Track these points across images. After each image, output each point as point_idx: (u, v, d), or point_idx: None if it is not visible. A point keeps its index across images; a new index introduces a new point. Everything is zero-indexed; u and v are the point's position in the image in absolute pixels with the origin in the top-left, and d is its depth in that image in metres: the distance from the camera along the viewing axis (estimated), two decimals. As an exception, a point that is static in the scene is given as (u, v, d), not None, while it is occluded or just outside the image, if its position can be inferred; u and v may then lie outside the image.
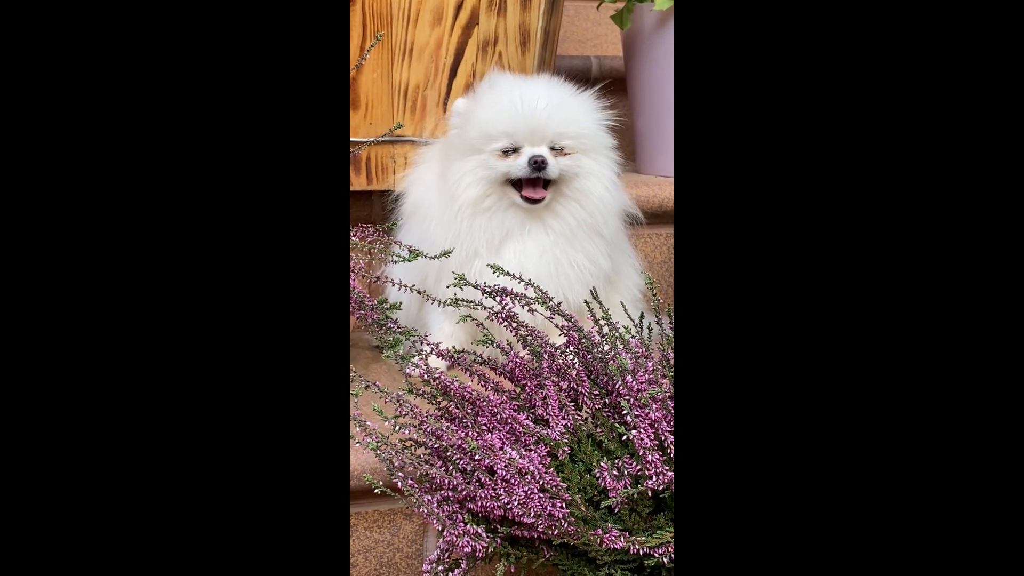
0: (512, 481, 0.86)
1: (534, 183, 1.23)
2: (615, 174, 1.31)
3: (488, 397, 0.92)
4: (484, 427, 0.90)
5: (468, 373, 0.96)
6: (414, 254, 1.16)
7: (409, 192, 1.33)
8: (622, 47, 1.85)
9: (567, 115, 1.23)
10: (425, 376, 0.90)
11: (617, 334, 0.97)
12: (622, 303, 1.10)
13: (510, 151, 1.23)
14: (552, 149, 1.23)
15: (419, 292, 1.09)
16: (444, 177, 1.27)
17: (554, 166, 1.22)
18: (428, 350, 0.95)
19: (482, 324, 0.98)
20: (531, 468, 0.86)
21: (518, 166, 1.22)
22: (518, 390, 0.98)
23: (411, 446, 0.90)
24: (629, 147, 2.17)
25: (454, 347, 0.96)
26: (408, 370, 0.90)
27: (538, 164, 1.20)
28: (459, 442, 0.87)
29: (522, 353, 0.97)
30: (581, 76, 2.11)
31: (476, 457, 0.86)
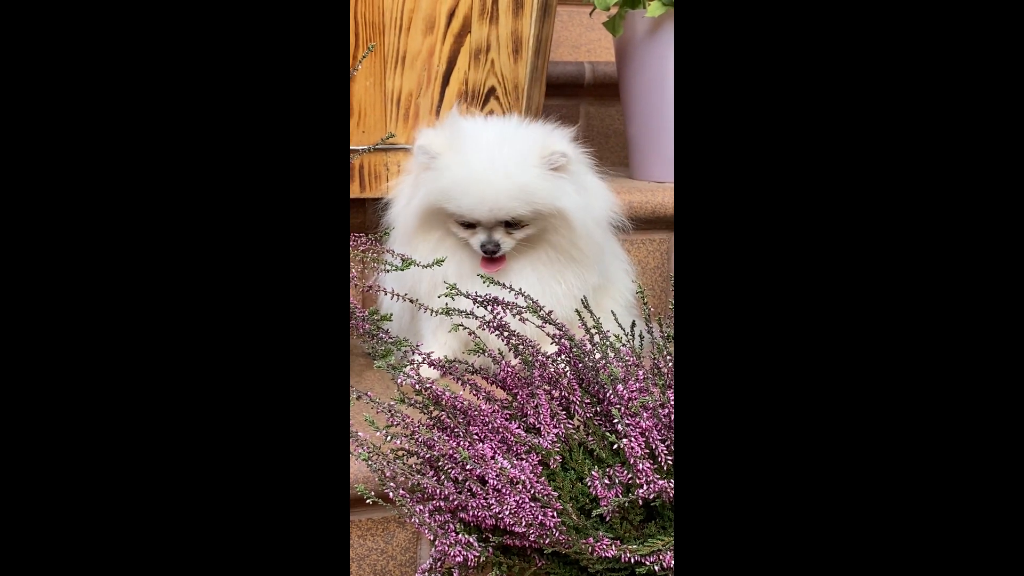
0: (503, 490, 0.86)
1: (488, 260, 1.22)
2: (585, 222, 1.26)
3: (480, 406, 0.92)
4: (476, 436, 0.91)
5: (460, 382, 0.97)
6: (407, 263, 1.16)
7: (392, 204, 1.33)
8: (615, 53, 1.86)
9: (524, 197, 1.18)
10: (417, 386, 0.91)
11: (608, 343, 0.97)
12: (613, 312, 1.10)
13: (467, 224, 1.22)
14: (509, 224, 1.21)
15: (411, 301, 1.09)
16: (405, 217, 1.25)
17: (508, 244, 1.21)
18: (420, 360, 0.96)
19: (474, 333, 0.99)
20: (522, 477, 0.87)
21: (473, 242, 1.21)
22: (510, 399, 0.98)
23: (403, 456, 0.91)
24: (622, 153, 2.18)
25: (445, 356, 0.96)
26: (399, 380, 0.91)
27: (489, 251, 1.20)
28: (450, 452, 0.87)
29: (514, 362, 0.98)
30: (574, 82, 2.12)
31: (467, 467, 0.86)
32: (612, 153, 2.16)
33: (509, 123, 1.28)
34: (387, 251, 1.23)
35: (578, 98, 2.15)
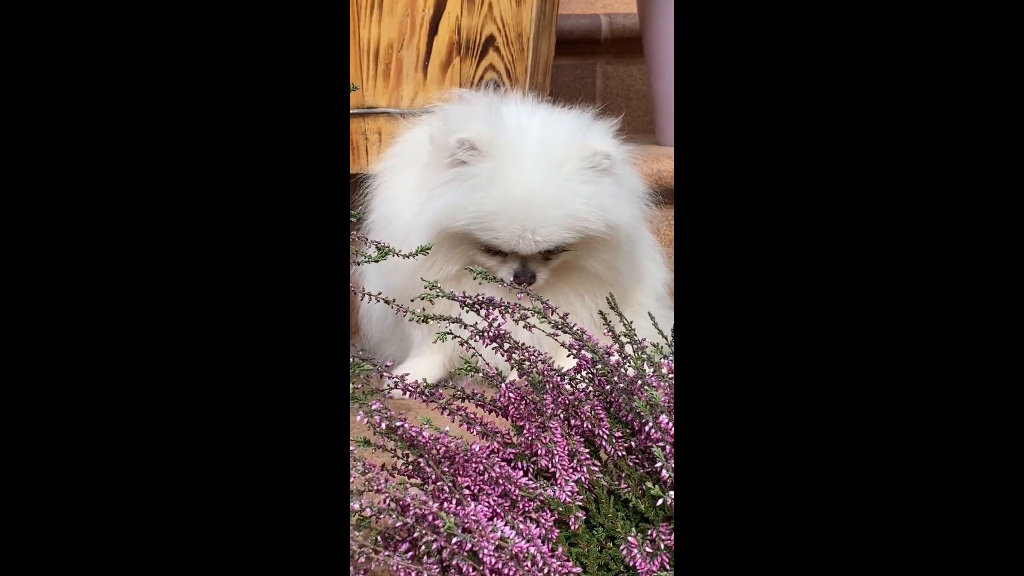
0: (506, 571, 0.62)
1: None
2: (630, 237, 1.08)
3: (471, 448, 0.67)
4: (467, 491, 0.66)
5: (446, 413, 0.72)
6: (383, 252, 0.92)
7: (380, 191, 1.09)
8: (636, 2, 1.60)
9: (576, 226, 1.00)
10: (382, 423, 0.66)
11: (645, 356, 0.73)
12: (650, 315, 0.85)
13: (496, 251, 1.02)
14: (548, 251, 1.03)
15: (387, 302, 0.85)
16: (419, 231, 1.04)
17: (545, 273, 1.04)
18: (391, 384, 0.71)
19: (467, 344, 0.75)
20: (532, 550, 0.62)
21: (502, 272, 1.02)
22: (514, 432, 0.74)
23: (365, 521, 0.66)
24: (645, 117, 1.92)
25: (424, 381, 0.72)
26: (358, 417, 0.66)
27: (523, 283, 1.01)
28: (430, 516, 0.63)
29: (517, 381, 0.73)
30: (589, 37, 1.86)
31: (455, 539, 0.62)
32: (634, 117, 1.90)
33: (545, 114, 1.07)
34: (361, 238, 0.99)
35: (594, 56, 1.88)
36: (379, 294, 0.86)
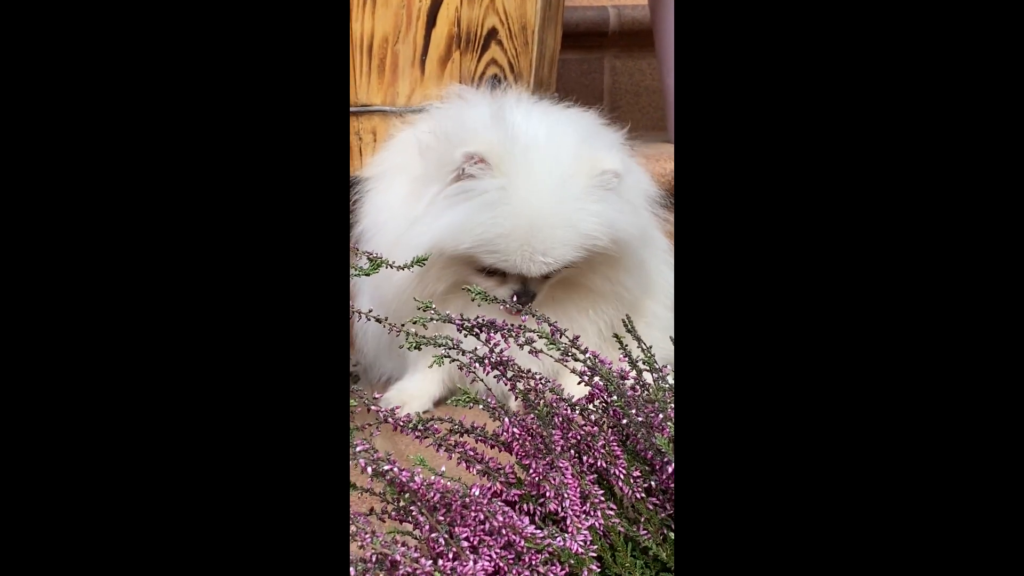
0: (509, 638, 0.54)
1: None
2: (637, 250, 1.01)
3: (471, 493, 0.60)
4: (465, 543, 0.58)
5: (442, 449, 0.64)
6: (375, 263, 0.84)
7: (369, 199, 1.02)
8: (646, -9, 1.52)
9: (585, 244, 0.93)
10: (367, 467, 0.58)
11: (667, 385, 0.65)
12: (672, 339, 0.77)
13: (494, 272, 0.95)
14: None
15: (378, 320, 0.77)
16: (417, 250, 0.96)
17: (542, 291, 0.97)
18: (381, 417, 0.63)
19: (466, 368, 0.67)
20: (539, 614, 0.54)
21: (500, 292, 0.95)
22: (519, 469, 0.66)
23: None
24: (655, 114, 1.84)
25: (419, 415, 0.64)
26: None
27: (523, 302, 0.93)
28: (423, 575, 0.55)
29: (520, 412, 0.66)
30: (597, 30, 1.78)
31: (450, 602, 0.54)
32: (644, 114, 1.82)
33: (550, 121, 0.99)
34: (352, 249, 0.92)
35: (602, 50, 1.80)
36: (370, 311, 0.78)
